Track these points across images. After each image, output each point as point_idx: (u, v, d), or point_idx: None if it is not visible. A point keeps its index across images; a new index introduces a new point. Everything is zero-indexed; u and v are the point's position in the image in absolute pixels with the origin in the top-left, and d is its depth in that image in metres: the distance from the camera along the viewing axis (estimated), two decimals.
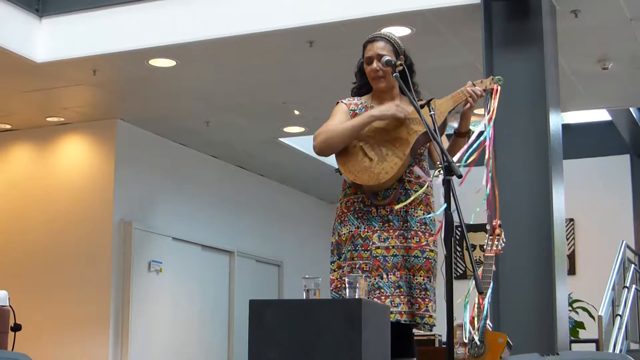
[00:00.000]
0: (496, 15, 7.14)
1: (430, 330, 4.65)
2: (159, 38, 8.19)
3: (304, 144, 11.62)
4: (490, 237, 5.15)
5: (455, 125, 4.73)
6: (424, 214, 4.52)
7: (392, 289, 4.41)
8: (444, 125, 4.56)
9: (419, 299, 4.45)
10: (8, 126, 10.77)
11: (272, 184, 13.50)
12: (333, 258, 4.57)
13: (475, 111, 4.75)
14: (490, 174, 4.70)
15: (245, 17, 7.92)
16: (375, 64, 4.58)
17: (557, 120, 7.17)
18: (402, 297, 4.41)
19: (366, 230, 4.47)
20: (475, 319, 4.97)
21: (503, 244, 5.13)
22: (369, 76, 4.61)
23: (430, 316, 4.51)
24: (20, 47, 8.37)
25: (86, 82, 9.15)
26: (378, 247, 4.44)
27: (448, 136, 4.66)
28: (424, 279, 4.48)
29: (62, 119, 10.49)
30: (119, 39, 8.34)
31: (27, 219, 10.65)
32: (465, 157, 4.50)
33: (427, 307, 4.48)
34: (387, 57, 4.53)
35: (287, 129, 11.05)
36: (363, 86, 4.73)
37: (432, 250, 4.54)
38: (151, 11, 8.26)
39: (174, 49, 8.27)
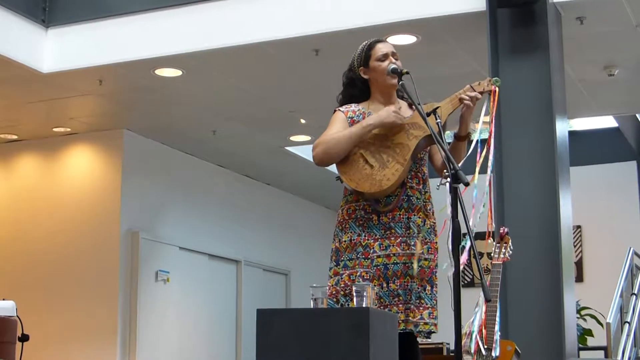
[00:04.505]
0: (502, 22, 7.15)
1: (428, 337, 4.63)
2: (165, 48, 8.21)
3: (311, 153, 11.59)
4: (497, 244, 5.14)
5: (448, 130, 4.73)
6: (422, 221, 4.50)
7: (391, 298, 4.39)
8: (443, 130, 4.53)
9: (412, 307, 4.43)
10: (14, 137, 10.79)
11: (279, 192, 13.50)
12: (332, 264, 4.55)
13: (485, 119, 4.74)
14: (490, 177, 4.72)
15: (251, 26, 7.94)
16: (392, 59, 4.55)
17: (563, 127, 7.17)
18: (400, 305, 4.39)
19: (367, 238, 4.45)
20: (483, 327, 4.97)
21: (510, 252, 5.13)
22: (384, 72, 4.55)
23: (426, 323, 4.47)
24: (27, 58, 8.39)
25: (92, 92, 9.17)
26: (379, 256, 4.40)
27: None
28: (418, 287, 4.46)
29: (69, 129, 10.50)
30: (124, 49, 8.36)
31: (34, 229, 10.66)
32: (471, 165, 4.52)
33: (421, 315, 4.45)
34: (393, 66, 4.52)
35: (293, 138, 11.06)
36: (355, 96, 4.69)
37: (426, 259, 4.50)
38: (157, 21, 8.28)
39: (179, 58, 8.28)
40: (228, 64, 8.45)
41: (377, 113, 4.50)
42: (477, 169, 4.64)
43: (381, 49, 4.60)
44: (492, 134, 4.70)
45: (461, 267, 4.15)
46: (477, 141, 4.63)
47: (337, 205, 4.73)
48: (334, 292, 4.44)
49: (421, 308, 4.45)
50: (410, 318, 4.41)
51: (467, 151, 4.59)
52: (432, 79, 8.44)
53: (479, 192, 4.59)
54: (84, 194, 10.53)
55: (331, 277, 4.50)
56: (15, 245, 10.71)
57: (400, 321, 4.34)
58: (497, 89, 4.62)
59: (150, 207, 10.82)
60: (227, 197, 12.30)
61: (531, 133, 6.97)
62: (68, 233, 10.49)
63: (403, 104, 4.66)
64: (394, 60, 4.56)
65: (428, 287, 4.48)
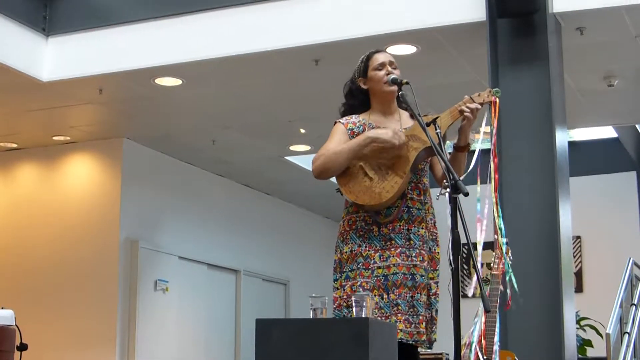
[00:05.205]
0: (501, 32, 7.15)
1: (430, 348, 4.63)
2: (165, 57, 8.22)
3: (310, 163, 11.59)
4: (497, 255, 5.13)
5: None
6: (425, 231, 4.50)
7: (390, 308, 4.39)
8: (442, 141, 4.53)
9: (422, 317, 4.42)
10: (14, 145, 10.79)
11: (278, 202, 13.50)
12: (335, 276, 4.56)
13: (485, 129, 4.74)
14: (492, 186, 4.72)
15: (250, 36, 7.94)
16: (389, 68, 4.56)
17: (563, 137, 7.17)
18: (399, 315, 4.38)
19: (367, 249, 4.45)
20: (482, 337, 4.96)
21: (510, 262, 5.12)
22: (381, 81, 4.57)
23: (435, 333, 4.50)
24: (27, 66, 8.40)
25: (92, 100, 9.17)
26: (379, 267, 4.41)
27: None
28: (428, 298, 4.46)
29: (69, 138, 10.50)
30: (124, 58, 8.36)
31: (34, 237, 10.65)
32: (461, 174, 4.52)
33: (431, 325, 4.47)
34: (393, 76, 4.52)
35: (293, 148, 11.06)
36: (355, 107, 4.70)
37: (435, 270, 4.53)
38: (157, 30, 8.28)
39: (179, 67, 8.28)
40: (228, 73, 8.45)
41: (378, 129, 4.49)
42: (492, 184, 4.66)
43: (378, 58, 4.62)
44: (495, 145, 4.71)
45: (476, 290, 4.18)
46: (479, 151, 4.63)
47: (336, 215, 4.74)
48: (340, 304, 4.45)
49: (428, 317, 4.45)
50: (422, 328, 4.40)
51: (470, 162, 4.59)
52: (432, 88, 8.44)
53: (483, 203, 4.60)
54: (83, 203, 10.53)
55: (337, 289, 4.51)
56: (15, 253, 10.70)
57: (399, 330, 4.34)
58: (497, 99, 4.61)
59: (149, 216, 10.81)
60: (226, 207, 12.29)
61: (531, 143, 6.97)
62: (67, 241, 10.48)
63: (404, 114, 4.66)
64: (390, 69, 4.56)
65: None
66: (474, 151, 4.65)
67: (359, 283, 4.40)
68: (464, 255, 11.80)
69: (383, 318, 4.34)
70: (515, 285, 4.82)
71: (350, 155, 4.46)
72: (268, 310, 12.92)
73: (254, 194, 12.93)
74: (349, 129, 4.57)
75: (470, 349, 4.91)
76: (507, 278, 4.77)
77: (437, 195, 4.17)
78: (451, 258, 3.89)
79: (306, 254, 13.85)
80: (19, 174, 10.98)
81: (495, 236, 4.90)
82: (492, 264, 5.11)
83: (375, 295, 4.35)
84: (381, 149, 4.44)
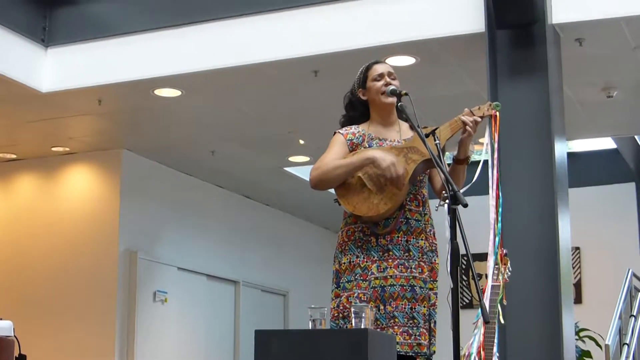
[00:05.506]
0: (500, 44, 7.15)
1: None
2: (164, 68, 8.22)
3: (309, 174, 11.60)
4: (496, 266, 5.12)
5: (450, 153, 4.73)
6: (424, 242, 4.50)
7: (387, 320, 4.38)
8: (442, 152, 4.53)
9: (423, 330, 4.42)
10: (13, 156, 10.79)
11: (278, 213, 13.49)
12: (333, 286, 4.56)
13: (480, 139, 4.75)
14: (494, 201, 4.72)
15: (250, 47, 7.94)
16: (387, 79, 4.57)
17: (562, 148, 7.17)
18: (396, 327, 4.38)
19: (365, 260, 4.45)
20: (481, 349, 4.95)
21: (509, 273, 5.11)
22: (379, 91, 4.58)
23: (434, 345, 4.49)
24: (26, 77, 8.39)
25: (91, 112, 9.16)
26: (377, 278, 4.40)
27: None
28: (428, 310, 4.46)
29: (68, 149, 10.50)
30: (124, 69, 8.36)
31: (32, 248, 10.64)
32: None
33: (430, 337, 4.46)
34: (392, 87, 4.53)
35: (292, 159, 11.06)
36: (355, 118, 4.70)
37: (434, 281, 4.53)
38: (156, 41, 8.28)
39: (179, 78, 8.28)
40: (227, 84, 8.45)
41: (380, 151, 4.47)
42: (494, 201, 4.66)
43: (377, 69, 4.63)
44: (497, 159, 4.71)
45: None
46: (484, 162, 4.63)
47: (335, 226, 4.73)
48: (335, 315, 4.44)
49: (427, 329, 4.45)
50: (422, 340, 4.39)
51: (472, 176, 4.59)
52: (431, 100, 8.45)
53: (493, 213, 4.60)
54: (82, 214, 10.52)
55: (333, 299, 4.51)
56: (13, 264, 10.69)
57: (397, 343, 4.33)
58: (497, 113, 4.61)
59: (148, 227, 10.80)
60: (225, 218, 12.28)
61: (530, 154, 6.97)
62: (66, 252, 10.46)
63: (404, 125, 4.66)
64: (389, 80, 4.58)
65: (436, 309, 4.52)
66: (475, 162, 4.64)
67: (355, 294, 4.40)
68: (463, 266, 11.80)
69: (379, 330, 4.33)
70: (500, 306, 4.79)
71: (349, 172, 4.46)
72: (267, 321, 12.91)
73: (253, 205, 12.92)
74: (348, 140, 4.58)
75: None
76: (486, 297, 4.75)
77: (437, 207, 4.17)
78: (449, 270, 3.90)
79: (305, 265, 13.84)
80: (18, 185, 10.97)
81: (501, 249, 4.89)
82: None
83: (372, 307, 4.34)
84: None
